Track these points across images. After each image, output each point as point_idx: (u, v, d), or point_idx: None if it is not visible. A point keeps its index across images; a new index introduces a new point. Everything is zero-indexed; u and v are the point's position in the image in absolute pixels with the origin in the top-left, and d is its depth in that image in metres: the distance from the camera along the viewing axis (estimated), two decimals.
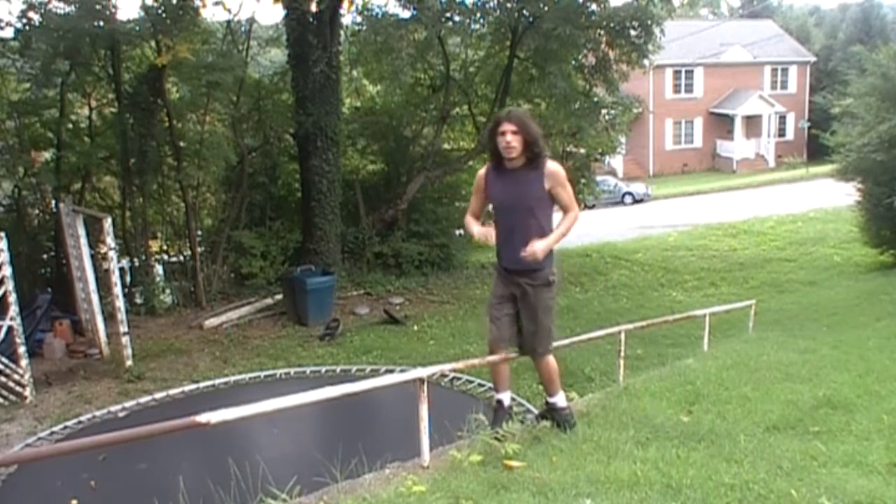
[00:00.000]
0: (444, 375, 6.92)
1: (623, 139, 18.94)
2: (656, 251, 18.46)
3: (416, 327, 11.45)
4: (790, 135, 37.48)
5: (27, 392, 8.13)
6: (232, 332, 11.12)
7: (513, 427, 3.77)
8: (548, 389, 4.09)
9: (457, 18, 13.47)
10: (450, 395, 7.28)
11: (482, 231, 3.81)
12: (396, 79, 13.73)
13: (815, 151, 28.51)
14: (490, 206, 3.99)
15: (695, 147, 37.13)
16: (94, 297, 9.58)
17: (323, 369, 8.98)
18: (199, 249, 12.64)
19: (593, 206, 25.53)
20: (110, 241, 9.21)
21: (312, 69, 12.72)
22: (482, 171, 3.90)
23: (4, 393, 8.02)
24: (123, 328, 9.19)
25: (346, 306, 12.48)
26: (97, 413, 7.60)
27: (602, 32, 13.83)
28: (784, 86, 37.82)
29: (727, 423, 4.00)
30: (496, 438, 3.63)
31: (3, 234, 7.90)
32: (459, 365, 4.51)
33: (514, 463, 3.37)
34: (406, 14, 13.55)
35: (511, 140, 3.64)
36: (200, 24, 12.56)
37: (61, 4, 11.08)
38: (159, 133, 12.24)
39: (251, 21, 14.47)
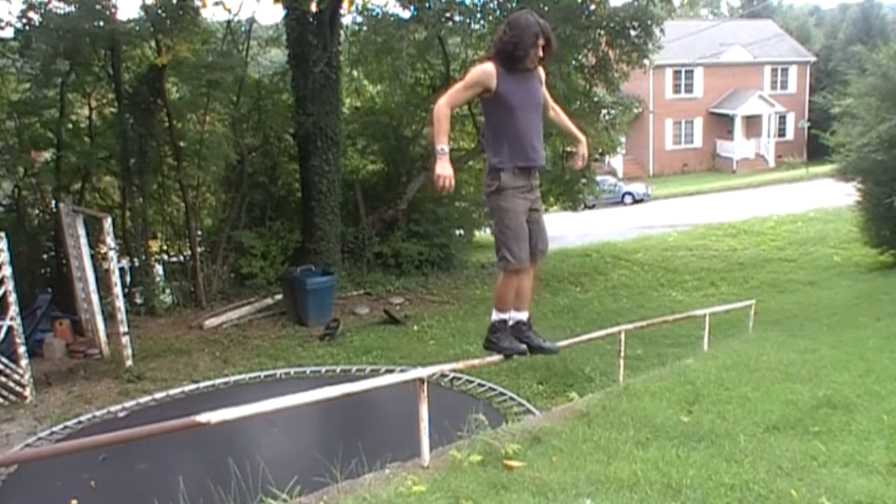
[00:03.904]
0: (444, 375, 6.92)
1: (623, 139, 18.94)
2: (656, 251, 18.46)
3: (416, 327, 11.44)
4: (790, 135, 37.48)
5: (27, 392, 8.14)
6: (232, 332, 11.12)
7: (513, 427, 3.77)
8: (526, 304, 4.04)
9: (457, 18, 13.48)
10: (450, 395, 7.29)
11: (450, 176, 3.59)
12: (397, 79, 13.73)
13: (815, 151, 28.51)
14: (481, 103, 3.86)
15: (695, 147, 37.14)
16: (94, 297, 9.57)
17: (323, 369, 8.99)
18: (199, 249, 12.65)
19: (593, 206, 25.55)
20: (110, 241, 9.21)
21: (312, 69, 12.72)
22: (490, 69, 3.66)
23: (4, 393, 8.02)
24: (123, 328, 9.20)
25: (346, 306, 12.48)
26: (97, 413, 7.61)
27: (602, 32, 13.83)
28: (784, 86, 37.83)
29: (727, 423, 3.99)
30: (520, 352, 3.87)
31: (3, 234, 7.91)
32: (459, 365, 4.50)
33: (514, 463, 3.37)
34: (406, 14, 13.56)
35: (542, 54, 3.69)
36: (200, 24, 12.57)
37: (61, 4, 11.09)
38: (159, 133, 12.25)
39: (251, 21, 14.48)
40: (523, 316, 3.99)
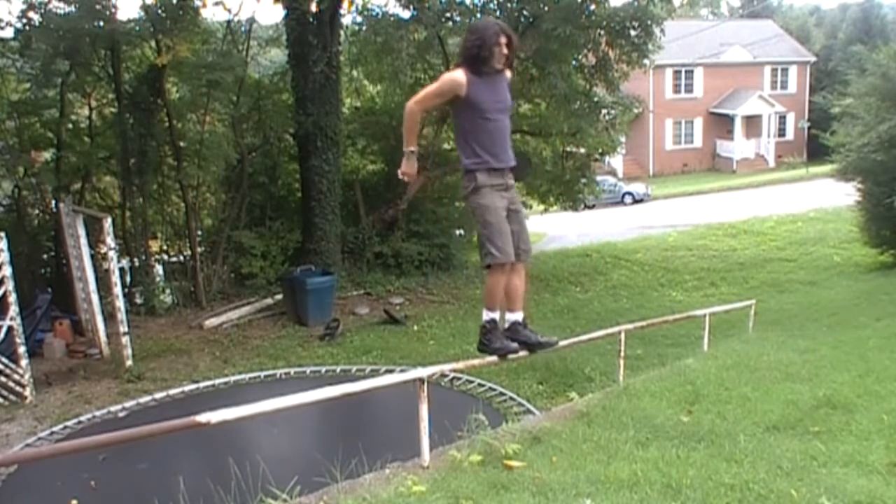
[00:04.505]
0: (444, 375, 6.92)
1: (623, 139, 18.92)
2: (656, 251, 18.46)
3: (416, 327, 11.45)
4: (790, 135, 37.47)
5: (27, 392, 8.14)
6: (232, 332, 11.12)
7: (513, 427, 3.77)
8: (519, 303, 4.04)
9: (457, 18, 13.47)
10: (450, 395, 7.29)
11: (414, 174, 3.86)
12: (397, 79, 13.72)
13: (815, 151, 28.51)
14: (451, 108, 3.91)
15: (695, 147, 37.13)
16: (94, 297, 9.58)
17: (323, 369, 8.99)
18: (199, 249, 12.64)
19: (593, 206, 25.54)
20: (110, 241, 9.22)
21: (312, 69, 12.72)
22: (459, 77, 3.73)
23: (4, 393, 8.02)
24: (123, 328, 9.20)
25: (346, 306, 12.48)
26: (97, 413, 7.61)
27: (602, 32, 13.81)
28: (784, 86, 37.82)
29: (727, 423, 3.99)
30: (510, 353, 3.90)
31: (3, 234, 7.91)
32: (459, 365, 4.50)
33: (514, 463, 3.37)
34: (406, 14, 13.56)
35: (506, 52, 3.78)
36: (200, 24, 12.57)
37: (61, 4, 11.09)
38: (159, 133, 12.25)
39: (251, 21, 14.48)
40: (518, 316, 4.01)
